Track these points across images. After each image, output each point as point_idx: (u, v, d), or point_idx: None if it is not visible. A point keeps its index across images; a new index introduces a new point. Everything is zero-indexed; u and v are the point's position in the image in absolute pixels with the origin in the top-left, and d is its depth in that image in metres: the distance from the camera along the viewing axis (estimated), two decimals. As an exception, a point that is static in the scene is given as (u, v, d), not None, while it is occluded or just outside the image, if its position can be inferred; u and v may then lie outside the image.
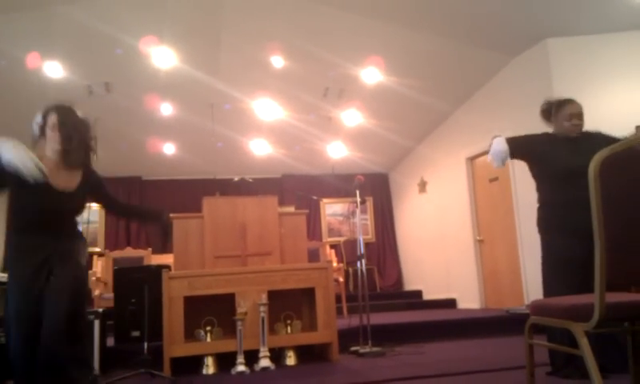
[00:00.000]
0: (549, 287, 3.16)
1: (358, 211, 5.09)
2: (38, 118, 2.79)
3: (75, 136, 2.74)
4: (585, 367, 1.89)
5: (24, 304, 2.60)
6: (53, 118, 2.74)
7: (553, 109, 3.36)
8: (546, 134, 3.39)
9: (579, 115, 3.29)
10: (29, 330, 2.58)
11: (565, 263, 3.07)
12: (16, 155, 2.53)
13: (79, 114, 2.84)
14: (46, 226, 2.73)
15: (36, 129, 2.79)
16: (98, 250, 8.36)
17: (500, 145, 3.27)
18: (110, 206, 3.11)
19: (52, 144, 2.74)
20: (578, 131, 3.26)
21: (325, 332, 4.44)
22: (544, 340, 3.01)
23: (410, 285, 9.62)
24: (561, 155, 3.19)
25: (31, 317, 2.59)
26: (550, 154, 3.23)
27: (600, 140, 3.20)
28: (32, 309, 2.60)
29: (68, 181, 2.77)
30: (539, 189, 3.33)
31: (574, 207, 3.02)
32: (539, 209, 3.32)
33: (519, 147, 3.34)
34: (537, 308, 2.24)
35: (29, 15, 5.39)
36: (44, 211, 2.71)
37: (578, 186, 3.04)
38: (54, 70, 6.10)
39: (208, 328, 4.35)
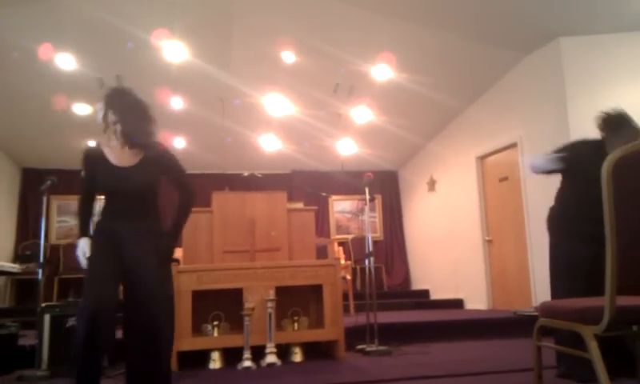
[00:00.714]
0: (564, 290, 3.12)
1: (366, 209, 5.08)
2: (100, 108, 2.88)
3: (139, 127, 2.84)
4: (592, 370, 1.87)
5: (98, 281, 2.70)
6: (112, 116, 2.84)
7: (612, 128, 3.32)
8: (598, 142, 3.31)
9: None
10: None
11: (579, 265, 3.04)
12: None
13: (133, 96, 2.90)
14: (121, 207, 2.82)
15: (100, 118, 2.89)
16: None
17: (544, 163, 3.20)
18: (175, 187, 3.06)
19: (114, 136, 2.86)
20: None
21: (331, 329, 4.44)
22: (551, 342, 2.98)
23: (417, 284, 9.60)
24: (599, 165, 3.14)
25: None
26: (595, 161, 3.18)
27: None
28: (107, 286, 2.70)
29: (131, 159, 2.86)
30: (568, 188, 3.26)
31: (593, 213, 3.00)
32: (559, 207, 3.26)
33: (571, 167, 3.26)
34: (546, 310, 2.22)
35: (41, 7, 5.41)
36: (112, 189, 2.81)
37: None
38: (66, 61, 6.13)
39: (215, 323, 4.36)
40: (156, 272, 2.75)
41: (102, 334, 2.58)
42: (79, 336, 2.56)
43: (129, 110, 2.85)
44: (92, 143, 2.95)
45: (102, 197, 2.88)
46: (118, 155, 2.85)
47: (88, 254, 2.75)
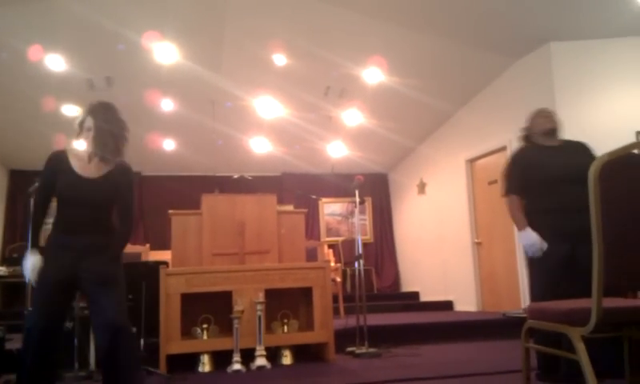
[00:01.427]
0: (539, 291, 3.16)
1: (356, 211, 5.09)
2: (79, 115, 2.91)
3: (110, 142, 2.84)
4: (575, 371, 1.89)
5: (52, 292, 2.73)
6: (89, 122, 2.83)
7: (528, 124, 3.50)
8: (525, 148, 3.46)
9: (548, 113, 3.44)
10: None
11: (552, 268, 3.10)
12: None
13: (117, 113, 2.91)
14: (79, 219, 2.80)
15: (77, 122, 2.90)
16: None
17: (528, 239, 3.19)
18: (118, 213, 3.02)
19: (87, 145, 2.86)
20: (553, 124, 3.38)
21: (321, 332, 4.44)
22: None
23: (407, 286, 9.62)
24: (546, 163, 3.26)
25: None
26: (536, 161, 3.29)
27: (583, 150, 3.33)
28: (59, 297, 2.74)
29: (96, 171, 2.86)
30: (525, 198, 3.35)
31: (560, 212, 3.10)
32: (528, 216, 3.32)
33: (521, 182, 3.35)
34: (534, 312, 2.24)
35: (31, 7, 5.37)
36: (71, 198, 2.79)
37: (563, 192, 3.11)
38: (55, 63, 6.09)
39: (205, 325, 4.34)
40: (114, 287, 2.76)
41: (50, 354, 2.66)
42: (28, 356, 2.63)
43: (107, 123, 2.84)
44: (58, 149, 2.92)
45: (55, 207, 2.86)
46: (84, 165, 2.84)
47: (36, 272, 2.74)
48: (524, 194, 3.33)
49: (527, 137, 3.49)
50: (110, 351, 2.64)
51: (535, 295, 3.17)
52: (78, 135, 2.90)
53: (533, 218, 3.26)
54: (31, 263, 2.75)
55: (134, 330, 2.89)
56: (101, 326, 2.67)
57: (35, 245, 2.82)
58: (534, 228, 3.20)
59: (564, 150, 3.32)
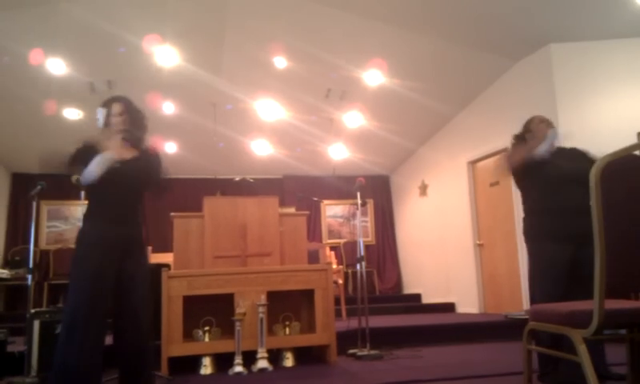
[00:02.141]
0: (541, 292, 3.17)
1: (358, 213, 5.09)
2: (101, 111, 3.00)
3: (137, 122, 3.01)
4: (574, 373, 1.89)
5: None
6: (117, 107, 2.98)
7: (524, 130, 3.53)
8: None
9: (549, 120, 3.48)
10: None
11: (554, 268, 3.10)
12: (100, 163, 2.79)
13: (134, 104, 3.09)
14: (119, 205, 2.85)
15: (100, 120, 2.99)
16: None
17: (543, 147, 3.28)
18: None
19: (118, 128, 2.96)
20: (554, 128, 3.41)
21: (323, 334, 4.43)
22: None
23: (409, 288, 9.61)
24: (553, 163, 3.27)
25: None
26: (539, 163, 3.30)
27: (581, 154, 3.38)
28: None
29: (127, 154, 2.97)
30: (528, 197, 3.39)
31: (564, 213, 3.10)
32: (527, 217, 3.37)
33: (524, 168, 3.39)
34: (535, 314, 2.23)
35: (32, 12, 5.39)
36: (112, 180, 2.82)
37: (566, 192, 3.12)
38: (56, 66, 6.11)
39: (206, 328, 4.34)
40: (146, 283, 2.83)
41: (98, 349, 2.68)
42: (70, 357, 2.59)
43: (133, 110, 3.02)
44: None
45: (87, 201, 2.89)
46: (116, 150, 2.92)
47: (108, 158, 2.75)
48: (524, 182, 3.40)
49: (523, 142, 3.50)
50: (133, 370, 2.72)
51: (538, 301, 3.15)
52: (106, 125, 2.97)
53: (537, 217, 3.25)
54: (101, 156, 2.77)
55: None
56: (126, 344, 2.74)
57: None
58: (537, 228, 3.21)
59: (562, 155, 3.36)
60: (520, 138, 3.54)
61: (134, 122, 2.99)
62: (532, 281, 3.35)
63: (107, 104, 3.01)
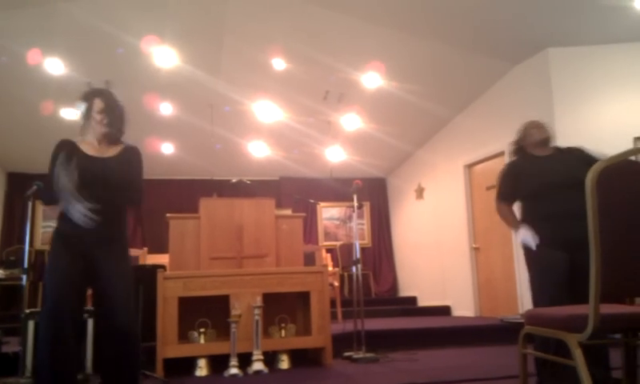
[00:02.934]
0: (542, 298, 3.16)
1: (354, 216, 5.09)
2: (81, 105, 2.95)
3: (118, 119, 2.94)
4: (572, 377, 1.89)
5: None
6: (98, 103, 2.90)
7: (519, 138, 3.51)
8: (518, 160, 3.50)
9: (542, 124, 3.44)
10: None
11: (553, 274, 3.09)
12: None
13: (116, 97, 3.03)
14: (95, 203, 2.74)
15: (81, 115, 2.94)
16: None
17: (524, 235, 3.27)
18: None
19: (98, 126, 2.89)
20: (546, 134, 3.39)
21: (319, 336, 4.43)
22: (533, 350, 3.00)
23: (404, 291, 9.61)
24: (541, 171, 3.28)
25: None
26: (530, 171, 3.32)
27: (578, 155, 3.34)
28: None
29: (107, 152, 2.91)
30: (521, 205, 3.40)
31: (557, 219, 3.09)
32: (526, 223, 3.33)
33: (513, 190, 3.46)
34: (531, 318, 2.23)
35: (30, 11, 5.38)
36: (85, 177, 2.74)
37: (559, 198, 3.12)
38: (54, 66, 6.09)
39: (202, 329, 4.34)
40: (124, 280, 2.76)
41: (66, 350, 2.59)
42: (42, 359, 2.57)
43: (115, 103, 2.95)
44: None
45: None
46: (95, 148, 2.88)
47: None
48: (512, 202, 3.48)
49: (520, 149, 3.50)
50: (116, 358, 2.64)
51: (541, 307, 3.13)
52: (86, 120, 2.91)
53: (533, 224, 3.26)
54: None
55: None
56: (109, 330, 2.67)
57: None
58: (537, 236, 3.21)
59: (557, 157, 3.34)
60: (518, 146, 3.52)
61: (115, 118, 2.91)
62: (534, 288, 3.29)
63: (88, 98, 2.93)
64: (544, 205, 3.20)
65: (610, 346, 3.02)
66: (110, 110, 2.89)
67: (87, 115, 2.91)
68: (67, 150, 2.80)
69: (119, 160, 2.89)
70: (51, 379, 2.57)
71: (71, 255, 2.70)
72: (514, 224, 3.42)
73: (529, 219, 3.29)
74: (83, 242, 2.71)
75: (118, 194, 2.84)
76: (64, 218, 2.75)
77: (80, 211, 2.63)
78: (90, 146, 2.89)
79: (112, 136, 2.91)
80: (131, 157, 2.96)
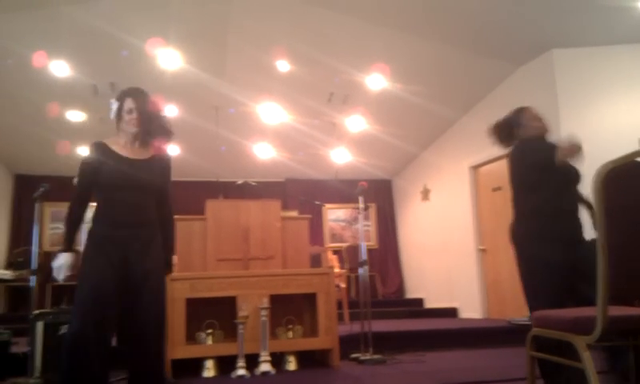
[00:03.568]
0: (539, 298, 3.07)
1: (360, 217, 5.09)
2: (114, 104, 2.87)
3: (151, 119, 2.83)
4: (576, 379, 1.89)
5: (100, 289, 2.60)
6: (129, 103, 2.81)
7: (515, 118, 3.30)
8: (535, 140, 3.22)
9: (540, 118, 3.26)
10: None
11: (556, 273, 3.02)
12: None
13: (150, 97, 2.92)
14: (128, 207, 2.70)
15: (113, 113, 2.86)
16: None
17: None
18: (158, 202, 2.92)
19: (129, 127, 2.79)
20: (546, 130, 3.21)
21: (326, 338, 4.43)
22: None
23: (411, 293, 9.60)
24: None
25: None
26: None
27: None
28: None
29: (141, 154, 2.82)
30: (536, 196, 3.11)
31: (569, 214, 3.01)
32: (532, 218, 3.14)
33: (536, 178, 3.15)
34: (539, 320, 2.23)
35: (35, 14, 5.41)
36: (121, 181, 2.70)
37: (570, 193, 3.04)
38: (60, 68, 6.13)
39: (209, 331, 4.35)
40: (159, 286, 2.70)
41: (93, 366, 2.48)
42: (67, 369, 2.47)
43: (146, 107, 2.83)
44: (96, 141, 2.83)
45: (95, 203, 2.74)
46: (128, 149, 2.79)
47: (66, 274, 2.62)
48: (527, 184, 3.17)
49: (510, 135, 3.30)
50: (142, 373, 2.64)
51: (542, 303, 3.04)
52: (118, 121, 2.83)
53: (546, 219, 3.05)
54: (63, 265, 2.64)
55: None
56: (134, 362, 2.64)
57: (69, 247, 2.69)
58: (546, 230, 3.06)
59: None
60: (506, 130, 3.32)
61: (147, 121, 2.79)
62: (531, 285, 3.10)
63: (121, 97, 2.85)
64: (561, 199, 3.03)
65: (618, 348, 3.00)
66: (140, 110, 2.78)
67: (119, 115, 2.82)
68: (98, 152, 2.73)
69: (150, 165, 2.82)
70: None
71: (109, 257, 2.61)
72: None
73: (543, 212, 3.07)
74: (121, 242, 2.64)
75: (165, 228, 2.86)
76: (101, 220, 2.69)
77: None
78: (122, 148, 2.80)
79: (142, 138, 2.80)
80: (163, 166, 2.91)
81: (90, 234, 2.69)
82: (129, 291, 2.63)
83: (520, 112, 3.31)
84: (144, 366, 2.65)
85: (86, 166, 2.74)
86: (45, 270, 8.30)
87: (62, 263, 2.66)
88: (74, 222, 2.72)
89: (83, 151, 3.00)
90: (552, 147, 3.01)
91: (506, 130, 3.36)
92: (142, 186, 2.74)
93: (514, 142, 3.34)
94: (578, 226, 2.97)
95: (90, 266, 2.59)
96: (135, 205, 2.71)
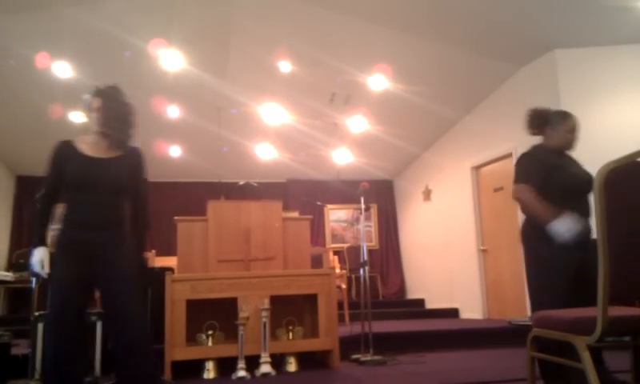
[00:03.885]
0: (549, 297, 3.09)
1: (362, 218, 5.09)
2: (86, 98, 2.88)
3: (114, 120, 2.80)
4: (576, 379, 1.88)
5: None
6: (96, 101, 2.81)
7: (554, 120, 3.28)
8: (543, 148, 3.30)
9: (577, 129, 3.27)
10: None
11: (565, 275, 3.02)
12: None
13: (123, 97, 2.90)
14: (94, 207, 2.70)
15: (85, 107, 2.88)
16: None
17: (564, 224, 2.92)
18: (132, 199, 2.93)
19: (93, 125, 2.81)
20: (574, 144, 3.24)
21: (326, 339, 4.43)
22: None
23: (412, 293, 9.59)
24: (570, 168, 3.17)
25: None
26: (562, 167, 3.17)
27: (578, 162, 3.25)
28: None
29: (107, 152, 2.82)
30: (545, 199, 3.12)
31: (577, 218, 3.01)
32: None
33: (540, 178, 3.15)
34: (539, 320, 2.23)
35: (37, 15, 5.42)
36: (84, 179, 2.70)
37: (577, 198, 3.05)
38: (62, 70, 6.13)
39: (210, 332, 4.34)
40: (130, 286, 2.69)
41: (70, 356, 2.58)
42: (47, 364, 2.58)
43: (115, 103, 2.83)
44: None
45: (62, 204, 2.76)
46: (94, 148, 2.80)
47: (47, 268, 2.64)
48: (537, 188, 3.13)
49: (541, 129, 3.29)
50: (130, 374, 2.62)
51: (547, 305, 3.04)
52: (87, 118, 2.86)
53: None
54: (39, 260, 2.66)
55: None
56: (121, 345, 2.63)
57: (42, 241, 2.72)
58: (546, 232, 3.08)
59: (573, 159, 3.25)
60: (540, 121, 3.29)
61: (114, 119, 2.79)
62: (538, 286, 3.16)
63: (92, 94, 2.86)
64: (570, 201, 3.05)
65: (618, 348, 2.99)
66: (107, 109, 2.77)
67: (87, 114, 2.84)
68: (62, 151, 2.76)
69: (119, 163, 2.80)
70: (57, 381, 2.58)
71: (75, 259, 2.65)
72: (547, 213, 2.97)
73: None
74: (87, 245, 2.67)
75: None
76: (67, 221, 2.72)
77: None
78: (88, 146, 2.80)
79: (109, 137, 2.79)
80: (135, 162, 2.89)
81: (58, 235, 2.73)
82: (102, 294, 2.68)
83: (562, 117, 3.29)
84: (132, 368, 2.64)
85: (50, 165, 2.78)
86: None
87: (37, 259, 2.69)
88: (41, 219, 2.78)
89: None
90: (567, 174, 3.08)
91: (539, 121, 3.33)
92: (108, 186, 2.73)
93: (537, 137, 3.33)
94: (587, 229, 2.96)
95: (57, 270, 2.65)
96: (101, 205, 2.71)
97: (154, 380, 2.73)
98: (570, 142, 3.24)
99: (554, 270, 3.04)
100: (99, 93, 2.85)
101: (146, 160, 2.97)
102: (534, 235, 3.14)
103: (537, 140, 3.38)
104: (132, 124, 2.89)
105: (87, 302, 2.75)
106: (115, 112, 2.81)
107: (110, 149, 2.82)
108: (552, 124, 3.27)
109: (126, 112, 2.87)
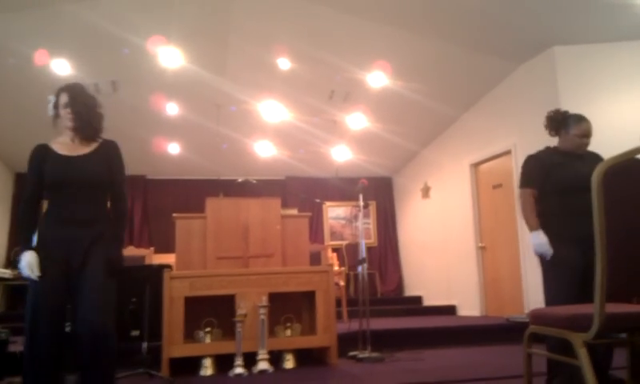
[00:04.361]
0: (555, 296, 3.12)
1: (360, 215, 5.09)
2: (52, 99, 2.90)
3: (84, 112, 2.84)
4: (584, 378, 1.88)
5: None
6: (63, 98, 2.84)
7: (569, 122, 3.35)
8: (549, 149, 3.38)
9: (590, 134, 3.33)
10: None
11: (573, 272, 3.05)
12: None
13: (87, 91, 2.95)
14: (73, 204, 2.72)
15: (51, 109, 2.90)
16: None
17: (539, 239, 3.17)
18: (110, 195, 2.93)
19: (65, 121, 2.84)
20: (585, 150, 3.30)
21: (324, 336, 4.43)
22: (543, 349, 2.99)
23: (410, 290, 9.60)
24: (574, 167, 3.20)
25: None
26: (564, 166, 3.22)
27: (598, 160, 3.24)
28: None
29: (81, 149, 2.84)
30: (546, 200, 3.26)
31: (580, 216, 3.02)
32: (544, 220, 3.25)
33: (540, 179, 3.28)
34: (536, 317, 2.23)
35: (37, 13, 5.41)
36: (61, 178, 2.72)
37: (582, 196, 3.05)
38: (61, 67, 6.12)
39: (207, 329, 4.35)
40: (102, 283, 2.67)
41: (52, 359, 2.60)
42: (29, 363, 2.58)
43: (81, 96, 2.86)
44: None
45: (46, 202, 2.78)
46: (68, 146, 2.82)
47: (37, 271, 2.62)
48: (540, 189, 3.26)
49: (557, 130, 3.37)
50: (93, 358, 2.59)
51: (551, 303, 3.09)
52: (55, 117, 2.88)
53: (555, 220, 3.18)
54: (28, 264, 2.64)
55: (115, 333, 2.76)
56: (85, 328, 2.60)
57: (28, 245, 2.71)
58: (555, 231, 3.14)
59: (586, 159, 3.27)
60: (557, 121, 3.38)
61: (84, 113, 2.82)
62: (550, 282, 3.20)
63: (57, 93, 2.87)
64: (569, 202, 3.12)
65: (615, 345, 3.00)
66: (75, 103, 2.80)
67: (55, 112, 2.86)
68: (39, 154, 2.78)
69: (94, 157, 2.82)
70: (36, 381, 2.62)
71: (52, 258, 2.65)
72: (533, 223, 3.22)
73: (556, 213, 3.19)
74: (65, 242, 2.67)
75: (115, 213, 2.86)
76: (46, 220, 2.73)
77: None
78: (63, 146, 2.82)
79: (82, 131, 2.82)
80: (110, 154, 2.89)
81: (38, 235, 2.73)
82: (74, 291, 2.66)
83: (575, 120, 3.35)
84: (92, 358, 2.61)
85: (29, 169, 2.81)
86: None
87: (25, 263, 2.66)
88: (23, 223, 2.80)
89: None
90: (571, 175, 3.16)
91: (557, 121, 3.41)
92: (83, 183, 2.74)
93: (535, 135, 3.41)
94: (591, 227, 2.96)
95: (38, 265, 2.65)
96: (79, 202, 2.72)
97: (111, 377, 2.69)
98: (578, 146, 3.30)
99: (559, 268, 3.11)
100: (64, 88, 2.89)
101: (122, 153, 2.96)
102: (551, 235, 3.20)
103: (534, 137, 3.42)
104: (101, 116, 2.93)
105: (66, 301, 2.71)
106: (84, 104, 2.85)
107: (84, 144, 2.84)
108: (566, 127, 3.34)
109: (93, 104, 2.91)
